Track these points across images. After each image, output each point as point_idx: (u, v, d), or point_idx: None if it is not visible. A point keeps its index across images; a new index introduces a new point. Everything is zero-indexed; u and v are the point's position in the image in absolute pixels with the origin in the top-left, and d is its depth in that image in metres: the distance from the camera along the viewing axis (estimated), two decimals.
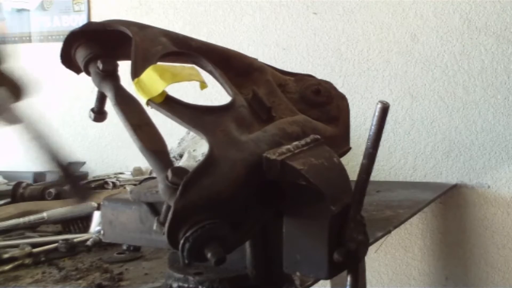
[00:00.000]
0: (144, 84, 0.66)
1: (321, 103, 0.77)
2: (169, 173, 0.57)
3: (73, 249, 1.14)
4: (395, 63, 1.88)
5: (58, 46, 0.78)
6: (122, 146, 2.10)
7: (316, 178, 0.59)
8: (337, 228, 0.60)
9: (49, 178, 1.94)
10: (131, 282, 0.96)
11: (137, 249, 1.11)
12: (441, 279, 1.90)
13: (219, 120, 0.64)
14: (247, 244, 0.69)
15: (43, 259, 1.09)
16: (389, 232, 1.28)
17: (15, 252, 1.08)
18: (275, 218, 0.64)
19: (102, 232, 0.78)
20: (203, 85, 0.71)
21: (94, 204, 1.32)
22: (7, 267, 1.04)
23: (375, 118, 0.60)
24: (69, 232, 1.27)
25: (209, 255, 0.55)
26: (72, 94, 2.17)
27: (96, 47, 0.75)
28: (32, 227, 1.29)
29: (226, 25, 2.08)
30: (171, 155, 0.58)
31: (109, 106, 0.73)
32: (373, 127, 0.60)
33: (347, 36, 1.93)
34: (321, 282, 0.93)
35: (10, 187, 1.60)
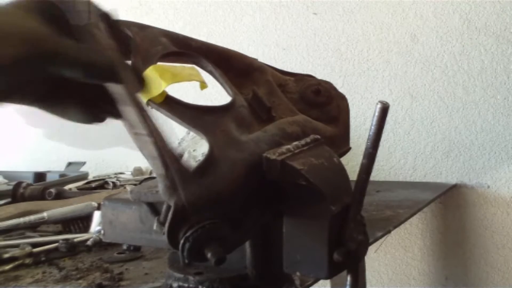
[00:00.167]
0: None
1: (321, 103, 0.77)
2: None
3: (73, 249, 1.15)
4: (395, 63, 1.88)
5: None
6: (122, 146, 2.10)
7: (316, 178, 0.59)
8: (337, 228, 0.60)
9: (49, 178, 1.95)
10: (131, 282, 0.97)
11: (137, 249, 1.11)
12: (441, 279, 1.90)
13: (219, 120, 0.64)
14: (247, 244, 0.69)
15: (43, 259, 1.09)
16: (389, 232, 1.28)
17: (16, 252, 1.08)
18: (275, 218, 0.64)
19: (102, 232, 0.78)
20: (203, 85, 0.71)
21: (94, 204, 1.33)
22: (7, 267, 1.05)
23: (375, 118, 0.60)
24: (70, 232, 1.28)
25: (209, 255, 0.55)
26: None
27: None
28: (33, 227, 1.29)
29: (226, 25, 2.08)
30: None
31: None
32: (373, 127, 0.60)
33: (347, 36, 1.93)
34: (321, 282, 0.93)
35: (10, 187, 1.60)
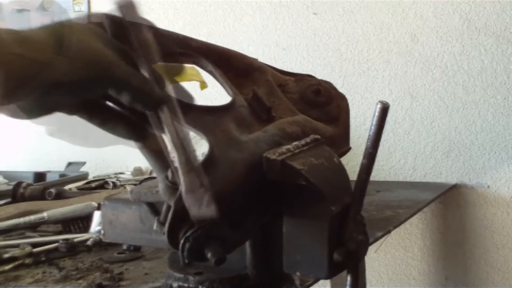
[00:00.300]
0: None
1: (321, 103, 0.77)
2: (169, 173, 0.58)
3: (73, 249, 1.15)
4: (395, 63, 1.88)
5: None
6: (122, 146, 2.10)
7: (316, 178, 0.59)
8: (337, 228, 0.60)
9: (49, 178, 1.95)
10: (131, 282, 0.97)
11: (137, 249, 1.11)
12: (441, 279, 1.90)
13: (219, 120, 0.64)
14: (247, 244, 0.69)
15: (43, 259, 1.09)
16: (389, 232, 1.28)
17: (16, 252, 1.08)
18: (275, 218, 0.64)
19: (102, 232, 0.78)
20: (203, 85, 0.71)
21: (94, 204, 1.33)
22: (7, 267, 1.05)
23: (375, 118, 0.60)
24: (70, 232, 1.28)
25: (209, 255, 0.55)
26: None
27: None
28: (33, 227, 1.29)
29: (226, 25, 2.08)
30: (171, 155, 0.58)
31: None
32: (373, 127, 0.60)
33: (347, 36, 1.93)
34: (321, 282, 0.93)
35: (10, 187, 1.60)
